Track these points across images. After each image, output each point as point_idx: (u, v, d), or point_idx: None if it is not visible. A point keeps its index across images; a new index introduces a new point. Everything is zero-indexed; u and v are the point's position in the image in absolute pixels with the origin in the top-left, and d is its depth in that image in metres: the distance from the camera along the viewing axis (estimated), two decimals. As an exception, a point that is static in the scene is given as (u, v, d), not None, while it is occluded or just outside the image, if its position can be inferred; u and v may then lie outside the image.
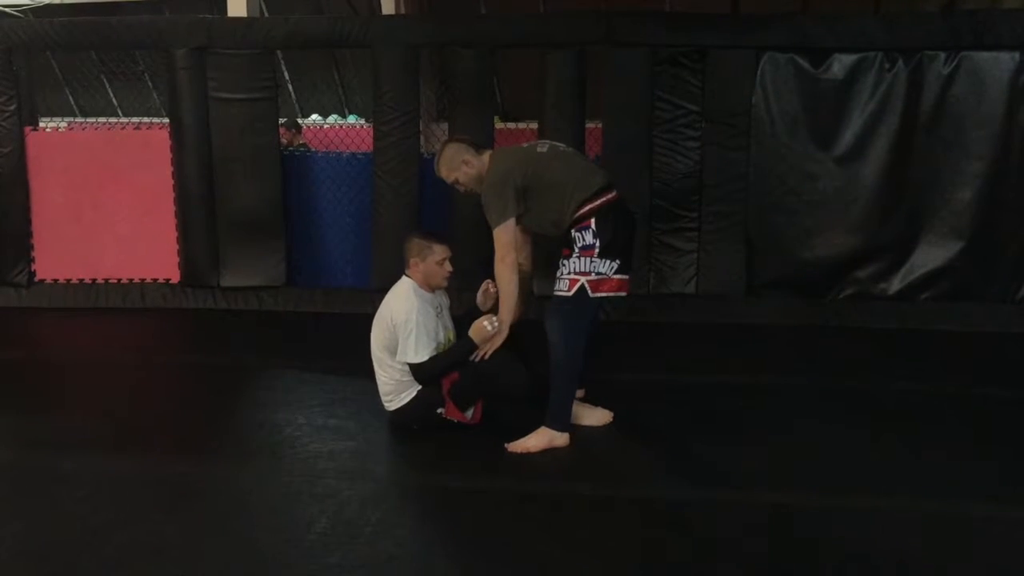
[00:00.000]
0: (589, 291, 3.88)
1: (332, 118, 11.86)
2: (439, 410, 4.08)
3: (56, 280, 6.94)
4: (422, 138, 6.70)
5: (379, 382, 4.18)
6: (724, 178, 6.27)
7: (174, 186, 6.70)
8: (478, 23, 7.42)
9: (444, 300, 4.27)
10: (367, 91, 7.08)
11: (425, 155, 6.55)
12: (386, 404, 4.19)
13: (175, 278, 6.85)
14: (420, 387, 4.09)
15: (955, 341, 5.94)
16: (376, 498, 3.50)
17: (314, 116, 12.15)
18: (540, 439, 3.91)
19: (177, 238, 6.77)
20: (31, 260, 6.91)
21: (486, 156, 4.11)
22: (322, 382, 4.97)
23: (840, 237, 6.24)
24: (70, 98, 14.28)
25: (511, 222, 3.94)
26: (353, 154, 6.90)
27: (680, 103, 6.27)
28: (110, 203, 6.80)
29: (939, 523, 3.27)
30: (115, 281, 6.90)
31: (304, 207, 6.76)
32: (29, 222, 6.87)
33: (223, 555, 3.03)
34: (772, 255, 6.32)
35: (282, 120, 7.36)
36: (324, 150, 7.43)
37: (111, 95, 14.15)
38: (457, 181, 4.14)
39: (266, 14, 10.63)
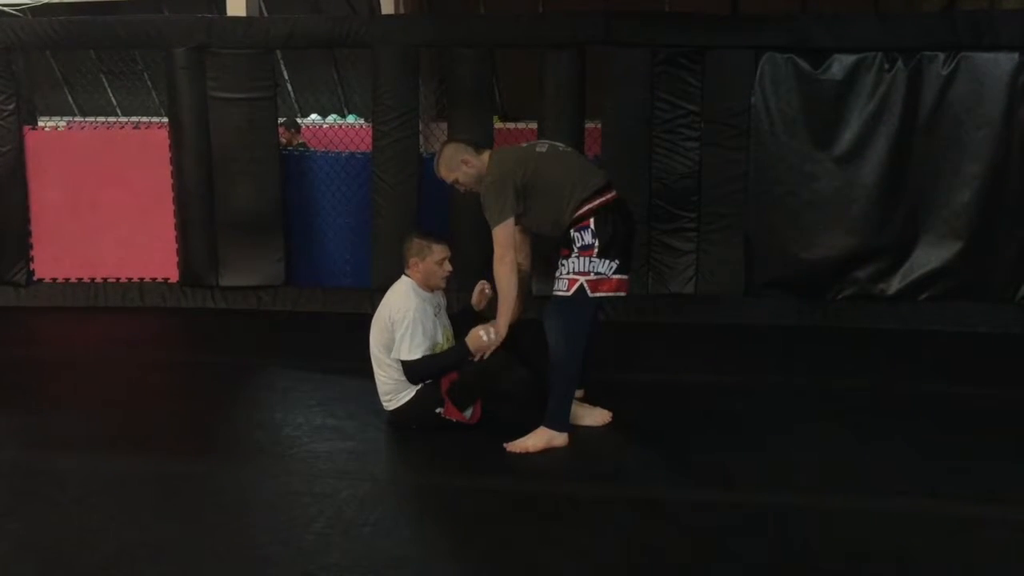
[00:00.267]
0: (588, 291, 3.88)
1: (331, 118, 11.85)
2: (438, 410, 4.07)
3: (55, 279, 6.93)
4: (421, 138, 6.70)
5: (378, 382, 4.18)
6: (723, 178, 6.27)
7: (173, 185, 6.70)
8: (477, 23, 7.43)
9: (442, 300, 4.27)
10: (366, 91, 7.07)
11: (424, 155, 6.54)
12: (385, 404, 4.19)
13: (174, 277, 6.85)
14: (419, 387, 4.09)
15: (954, 341, 5.94)
16: (375, 498, 3.50)
17: (313, 116, 12.14)
18: (539, 439, 3.91)
19: (176, 237, 6.77)
20: (30, 259, 6.91)
21: (485, 156, 4.10)
22: (321, 382, 4.97)
23: (839, 237, 6.24)
24: (69, 97, 14.27)
25: (510, 222, 3.94)
26: (352, 153, 6.90)
27: (679, 103, 6.27)
28: (109, 202, 6.79)
29: (939, 523, 3.27)
30: (114, 280, 6.90)
31: (303, 207, 6.75)
32: (28, 221, 6.87)
33: (222, 554, 3.03)
34: (771, 255, 6.32)
35: (281, 120, 7.35)
36: (323, 149, 7.42)
37: (110, 94, 14.14)
38: (457, 181, 4.13)
39: (265, 14, 10.63)
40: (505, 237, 3.93)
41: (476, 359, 3.98)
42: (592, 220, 3.88)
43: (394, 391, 4.13)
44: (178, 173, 6.66)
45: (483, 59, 6.38)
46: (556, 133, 5.73)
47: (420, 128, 6.61)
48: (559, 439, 3.93)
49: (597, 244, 3.87)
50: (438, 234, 4.27)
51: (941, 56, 6.01)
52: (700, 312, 6.35)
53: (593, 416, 4.22)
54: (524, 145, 4.24)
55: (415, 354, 3.99)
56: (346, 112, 13.08)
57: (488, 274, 4.09)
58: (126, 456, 3.91)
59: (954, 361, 5.55)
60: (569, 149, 4.29)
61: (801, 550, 3.07)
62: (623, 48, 6.20)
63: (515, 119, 9.18)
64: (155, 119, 9.26)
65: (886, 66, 6.06)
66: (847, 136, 6.16)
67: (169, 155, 6.68)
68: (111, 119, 10.62)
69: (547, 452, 3.88)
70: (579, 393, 4.24)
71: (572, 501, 3.46)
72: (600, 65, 6.25)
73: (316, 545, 3.07)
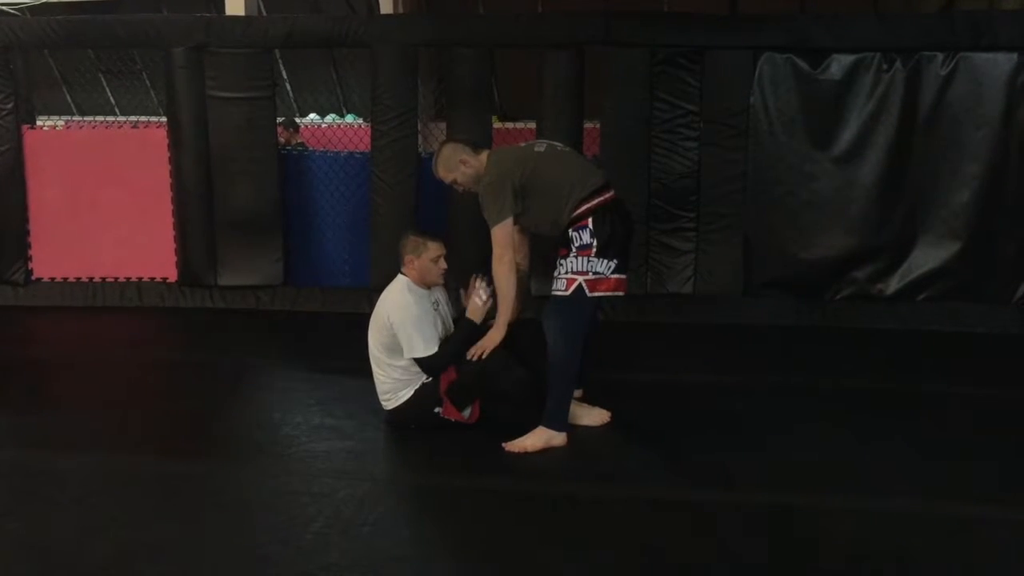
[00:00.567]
0: (586, 290, 3.88)
1: (330, 117, 11.84)
2: (436, 409, 4.07)
3: (53, 279, 6.92)
4: (420, 137, 6.70)
5: (377, 381, 4.17)
6: (722, 178, 6.27)
7: (172, 185, 6.69)
8: (476, 23, 7.42)
9: (441, 295, 4.27)
10: (365, 90, 7.07)
11: (423, 154, 6.54)
12: (384, 403, 4.19)
13: (172, 277, 6.84)
14: (418, 386, 4.09)
15: (953, 342, 5.94)
16: (374, 497, 3.49)
17: (312, 115, 12.12)
18: (538, 439, 3.91)
19: (175, 237, 6.76)
20: (28, 258, 6.90)
21: (484, 156, 4.09)
22: (319, 381, 4.96)
23: (838, 237, 6.24)
24: (68, 96, 14.24)
25: (509, 221, 3.94)
26: (351, 153, 6.89)
27: (678, 103, 6.27)
28: (108, 202, 6.78)
29: (939, 523, 3.27)
30: (112, 280, 6.89)
31: (302, 206, 6.75)
32: (26, 220, 6.86)
33: (220, 554, 3.02)
34: (770, 255, 6.32)
35: (280, 119, 7.35)
36: (322, 149, 7.41)
37: (109, 94, 14.10)
38: (455, 181, 4.13)
39: (264, 13, 10.59)
40: (504, 237, 3.93)
41: (475, 359, 3.98)
42: (590, 220, 3.88)
43: (392, 391, 4.13)
44: (177, 172, 6.65)
45: (482, 59, 6.38)
46: (555, 133, 5.73)
47: (419, 128, 6.61)
48: (558, 439, 3.93)
49: (595, 244, 3.87)
50: (433, 232, 4.27)
51: (940, 56, 6.01)
52: (699, 312, 6.34)
53: (592, 416, 4.22)
54: (522, 145, 4.24)
55: (431, 348, 3.99)
56: (345, 112, 13.07)
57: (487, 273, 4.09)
58: (125, 456, 3.91)
59: (953, 361, 5.55)
60: (568, 149, 4.29)
61: (801, 550, 3.07)
62: (622, 48, 6.20)
63: (514, 119, 9.16)
64: (154, 118, 9.23)
65: (885, 66, 6.06)
66: (846, 136, 6.16)
67: (168, 154, 6.67)
68: (110, 118, 10.58)
69: (546, 452, 3.88)
70: (578, 393, 4.24)
71: (571, 501, 3.46)
72: (599, 65, 6.25)
73: (315, 545, 3.06)
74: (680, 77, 6.24)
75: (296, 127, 8.93)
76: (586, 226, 3.88)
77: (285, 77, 13.04)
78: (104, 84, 14.00)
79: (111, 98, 14.04)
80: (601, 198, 3.93)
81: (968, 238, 6.14)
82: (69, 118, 12.10)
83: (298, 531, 3.16)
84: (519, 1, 10.91)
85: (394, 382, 4.11)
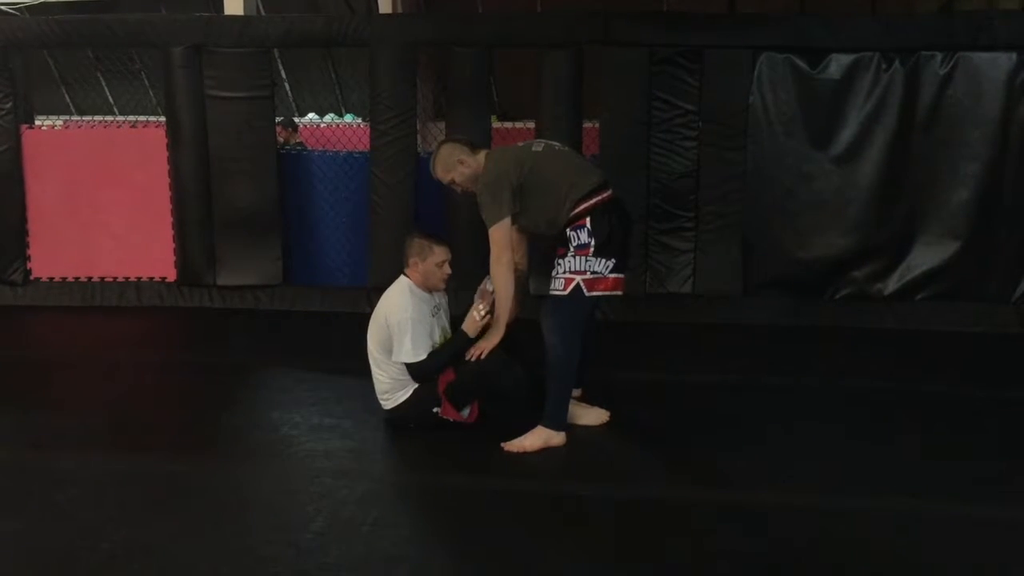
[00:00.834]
0: (585, 290, 3.87)
1: (329, 117, 11.83)
2: (435, 409, 4.07)
3: (52, 278, 6.92)
4: (419, 137, 6.69)
5: (375, 381, 4.17)
6: (721, 178, 6.27)
7: (170, 184, 6.69)
8: (475, 22, 7.41)
9: (442, 300, 4.26)
10: (364, 90, 7.09)
11: (422, 154, 6.53)
12: (382, 403, 4.18)
13: (171, 276, 6.83)
14: (416, 386, 4.08)
15: (952, 341, 5.94)
16: (373, 497, 3.49)
17: (311, 115, 12.12)
18: (537, 438, 3.91)
19: (173, 236, 6.76)
20: (27, 258, 6.89)
21: (482, 156, 4.09)
22: (318, 381, 4.96)
23: (837, 237, 6.24)
24: (66, 96, 14.23)
25: (507, 221, 3.93)
26: (350, 153, 6.89)
27: (677, 103, 6.27)
28: (106, 201, 6.78)
29: (939, 523, 3.27)
30: (111, 279, 6.88)
31: (301, 206, 6.75)
32: (25, 220, 6.85)
33: (220, 554, 3.02)
34: (769, 255, 6.32)
35: (278, 119, 7.35)
36: (321, 148, 7.41)
37: (107, 93, 14.10)
38: (453, 181, 4.12)
39: (263, 12, 10.56)
40: (502, 237, 3.92)
41: (476, 353, 3.97)
42: (588, 219, 3.87)
43: (391, 390, 4.13)
44: (175, 172, 6.65)
45: (480, 58, 6.37)
46: (554, 132, 5.72)
47: (418, 127, 6.60)
48: (557, 438, 3.93)
49: (593, 243, 3.86)
50: (440, 235, 4.26)
51: (939, 56, 6.01)
52: (698, 312, 6.34)
53: (591, 415, 4.22)
54: (520, 144, 4.23)
55: (419, 355, 3.98)
56: (343, 111, 13.07)
57: (485, 274, 4.08)
58: (124, 455, 3.90)
59: (952, 361, 5.55)
60: (566, 148, 4.28)
61: (801, 550, 3.07)
62: (621, 48, 6.20)
63: (513, 119, 9.19)
64: (152, 118, 9.24)
65: (883, 66, 6.06)
66: (845, 136, 6.16)
67: (166, 154, 6.67)
68: (108, 118, 10.59)
69: (545, 451, 3.88)
70: (577, 393, 4.24)
71: (570, 500, 3.46)
72: (598, 65, 6.25)
73: (314, 544, 3.06)
74: (679, 77, 6.24)
75: (295, 127, 8.93)
76: (584, 225, 3.87)
77: (284, 77, 13.04)
78: (103, 83, 14.00)
79: (110, 98, 14.04)
80: (599, 197, 3.92)
81: (967, 238, 6.14)
82: (68, 118, 12.09)
83: (298, 530, 3.16)
84: (518, 1, 10.92)
85: (393, 382, 4.11)
